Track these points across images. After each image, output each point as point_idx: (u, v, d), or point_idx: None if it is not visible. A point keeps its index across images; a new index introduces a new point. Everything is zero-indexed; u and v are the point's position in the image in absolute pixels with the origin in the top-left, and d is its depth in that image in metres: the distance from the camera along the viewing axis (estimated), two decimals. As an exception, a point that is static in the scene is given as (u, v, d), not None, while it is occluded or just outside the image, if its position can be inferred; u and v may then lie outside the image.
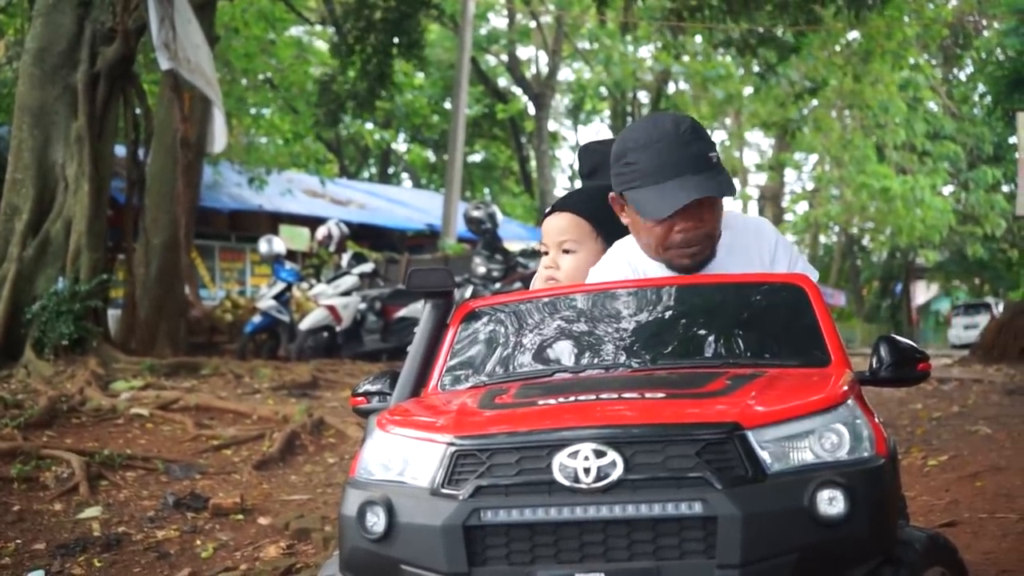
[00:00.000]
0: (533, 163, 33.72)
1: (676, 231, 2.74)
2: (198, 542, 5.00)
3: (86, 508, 5.50)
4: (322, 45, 27.30)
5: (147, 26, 10.25)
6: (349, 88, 16.68)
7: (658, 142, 2.72)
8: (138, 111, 11.10)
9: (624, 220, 2.87)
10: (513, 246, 14.62)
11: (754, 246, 2.90)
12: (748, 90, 27.98)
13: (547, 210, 3.18)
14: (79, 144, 9.89)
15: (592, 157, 3.48)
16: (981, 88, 31.84)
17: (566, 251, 3.08)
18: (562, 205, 3.14)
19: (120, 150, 11.73)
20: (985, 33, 29.15)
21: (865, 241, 39.22)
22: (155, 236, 12.03)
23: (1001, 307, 29.45)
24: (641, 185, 2.71)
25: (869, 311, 42.33)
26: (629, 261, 2.90)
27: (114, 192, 11.83)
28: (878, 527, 2.10)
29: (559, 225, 3.10)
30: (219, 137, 12.13)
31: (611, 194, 2.86)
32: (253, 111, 23.07)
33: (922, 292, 44.99)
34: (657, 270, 2.86)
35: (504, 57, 33.77)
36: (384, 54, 15.93)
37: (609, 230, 3.02)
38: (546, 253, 3.14)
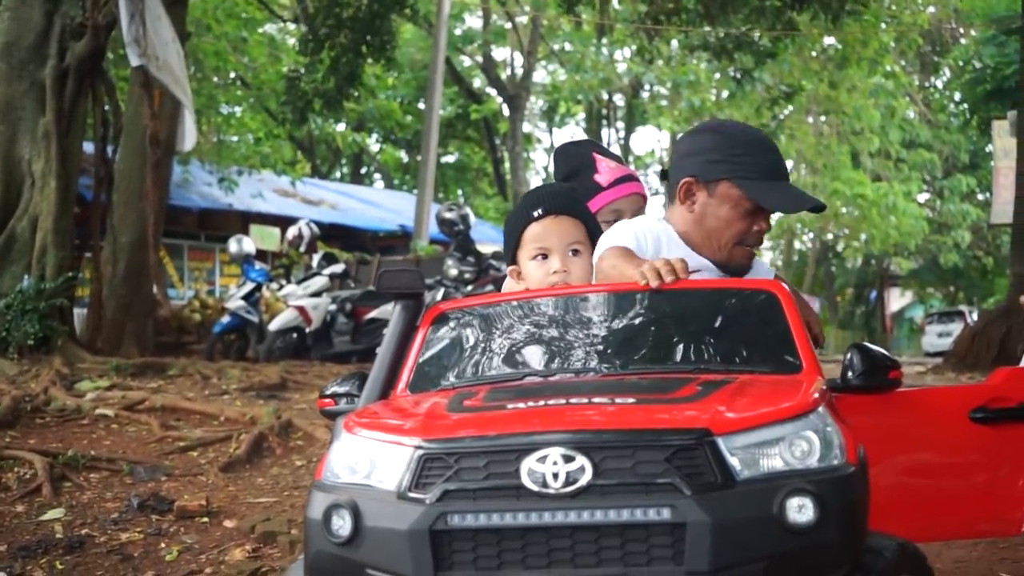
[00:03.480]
0: (507, 165, 33.68)
1: (755, 229, 2.93)
2: (162, 545, 4.95)
3: (49, 510, 5.43)
4: (294, 42, 27.18)
5: (117, 21, 10.15)
6: (316, 86, 16.50)
7: (772, 147, 3.00)
8: (107, 107, 10.99)
9: (688, 209, 2.97)
10: (486, 248, 14.56)
11: (760, 263, 3.09)
12: (724, 94, 28.05)
13: (537, 212, 3.05)
14: (46, 140, 9.78)
15: (569, 160, 3.43)
16: (958, 96, 32.07)
17: (575, 252, 3.02)
18: (561, 208, 3.04)
19: (88, 147, 11.60)
20: (962, 41, 29.38)
21: (840, 248, 39.47)
22: (123, 234, 11.91)
23: (975, 315, 29.77)
24: (760, 179, 2.89)
25: (843, 318, 42.60)
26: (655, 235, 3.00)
27: (81, 189, 11.70)
28: (847, 535, 2.09)
29: (566, 228, 3.03)
30: (188, 135, 12.04)
31: (687, 179, 2.96)
32: (224, 110, 22.89)
33: (896, 299, 45.33)
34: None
35: (479, 58, 33.75)
36: (354, 53, 15.79)
37: (596, 235, 3.04)
38: (542, 255, 3.03)
